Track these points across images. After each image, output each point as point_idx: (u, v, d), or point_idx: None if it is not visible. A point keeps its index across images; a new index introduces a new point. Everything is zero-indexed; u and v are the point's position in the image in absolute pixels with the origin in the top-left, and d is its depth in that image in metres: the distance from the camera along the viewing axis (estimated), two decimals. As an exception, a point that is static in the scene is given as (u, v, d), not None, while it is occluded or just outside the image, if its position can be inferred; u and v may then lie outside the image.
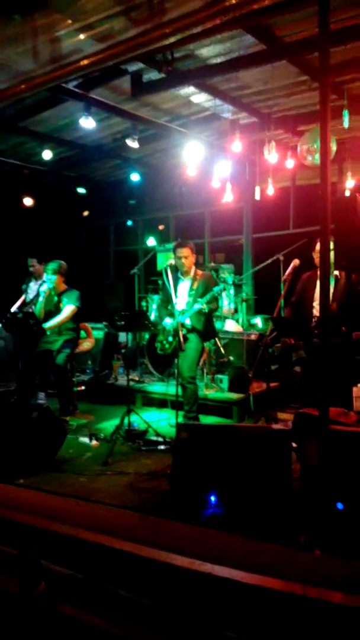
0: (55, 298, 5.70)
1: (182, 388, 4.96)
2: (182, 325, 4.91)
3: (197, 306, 4.90)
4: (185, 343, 4.88)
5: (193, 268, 5.20)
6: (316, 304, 4.71)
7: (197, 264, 5.42)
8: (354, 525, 2.81)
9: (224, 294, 6.70)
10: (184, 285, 5.15)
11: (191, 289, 5.09)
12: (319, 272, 2.94)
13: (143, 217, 9.93)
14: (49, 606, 1.92)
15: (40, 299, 5.70)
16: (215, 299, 5.06)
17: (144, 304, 7.59)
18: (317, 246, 4.65)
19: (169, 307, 5.09)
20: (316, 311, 4.71)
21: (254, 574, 1.81)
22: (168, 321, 5.09)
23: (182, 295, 5.10)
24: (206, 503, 3.16)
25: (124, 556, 2.00)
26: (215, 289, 4.96)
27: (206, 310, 4.96)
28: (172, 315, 5.00)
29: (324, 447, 2.61)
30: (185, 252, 5.07)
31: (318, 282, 4.37)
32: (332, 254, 3.28)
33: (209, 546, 2.08)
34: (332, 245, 3.09)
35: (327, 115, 2.58)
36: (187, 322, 4.97)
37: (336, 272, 4.59)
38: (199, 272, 5.22)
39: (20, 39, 3.81)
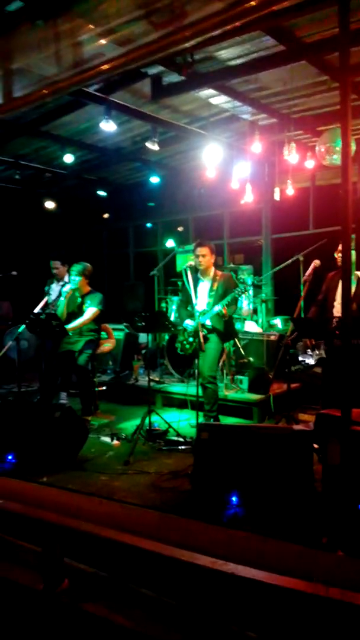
0: (79, 300, 5.75)
1: (202, 388, 4.97)
2: (203, 325, 4.93)
3: (217, 308, 4.91)
4: (206, 343, 4.90)
5: (212, 269, 5.20)
6: (337, 304, 4.68)
7: (217, 265, 5.43)
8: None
9: (243, 295, 6.70)
10: (204, 285, 5.16)
11: (211, 289, 5.10)
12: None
13: (162, 219, 9.96)
14: (72, 604, 1.94)
15: (62, 298, 5.76)
16: (235, 301, 5.07)
17: (163, 305, 7.62)
18: (340, 246, 4.63)
19: (189, 308, 5.10)
20: (337, 311, 4.68)
21: (277, 574, 1.82)
22: (189, 322, 5.10)
23: (202, 296, 5.12)
24: (228, 503, 3.17)
25: (147, 555, 2.01)
26: (236, 290, 4.96)
27: (230, 314, 4.97)
28: (192, 316, 5.02)
29: (346, 448, 2.60)
30: (203, 250, 5.08)
31: (340, 283, 4.35)
32: (353, 254, 3.27)
33: (231, 546, 2.09)
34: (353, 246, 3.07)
35: (348, 114, 2.57)
36: (208, 322, 4.99)
37: (358, 273, 4.55)
38: (219, 272, 5.22)
39: (43, 44, 3.84)
